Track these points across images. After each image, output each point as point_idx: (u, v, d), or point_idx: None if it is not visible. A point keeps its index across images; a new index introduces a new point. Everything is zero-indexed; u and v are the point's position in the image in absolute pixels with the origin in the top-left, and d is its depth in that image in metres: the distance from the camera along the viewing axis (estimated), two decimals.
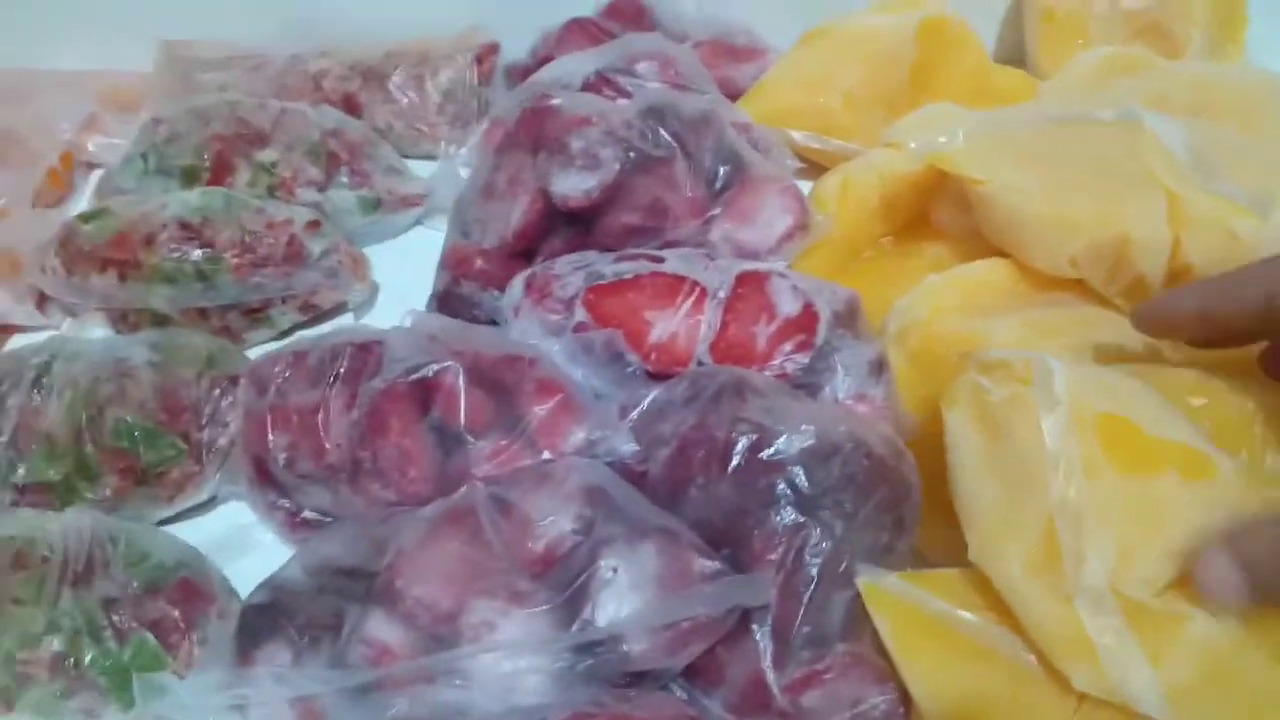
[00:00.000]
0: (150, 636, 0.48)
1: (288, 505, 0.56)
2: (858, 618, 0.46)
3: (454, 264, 0.65)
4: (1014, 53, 0.85)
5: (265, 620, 0.47)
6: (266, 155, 0.71)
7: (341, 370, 0.54)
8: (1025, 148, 0.60)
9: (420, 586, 0.45)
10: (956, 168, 0.59)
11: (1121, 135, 0.58)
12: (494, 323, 0.63)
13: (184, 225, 0.64)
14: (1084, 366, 0.47)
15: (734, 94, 0.78)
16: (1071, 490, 0.42)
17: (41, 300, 0.70)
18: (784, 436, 0.48)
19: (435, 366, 0.53)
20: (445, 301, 0.65)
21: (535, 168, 0.63)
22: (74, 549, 0.50)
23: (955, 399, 0.48)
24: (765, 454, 0.48)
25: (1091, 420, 0.44)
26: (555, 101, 0.64)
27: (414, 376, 0.53)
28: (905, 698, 0.45)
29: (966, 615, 0.45)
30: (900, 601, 0.45)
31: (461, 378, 0.53)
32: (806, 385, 0.55)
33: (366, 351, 0.55)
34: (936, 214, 0.65)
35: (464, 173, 0.73)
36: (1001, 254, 0.60)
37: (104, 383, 0.57)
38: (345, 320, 0.70)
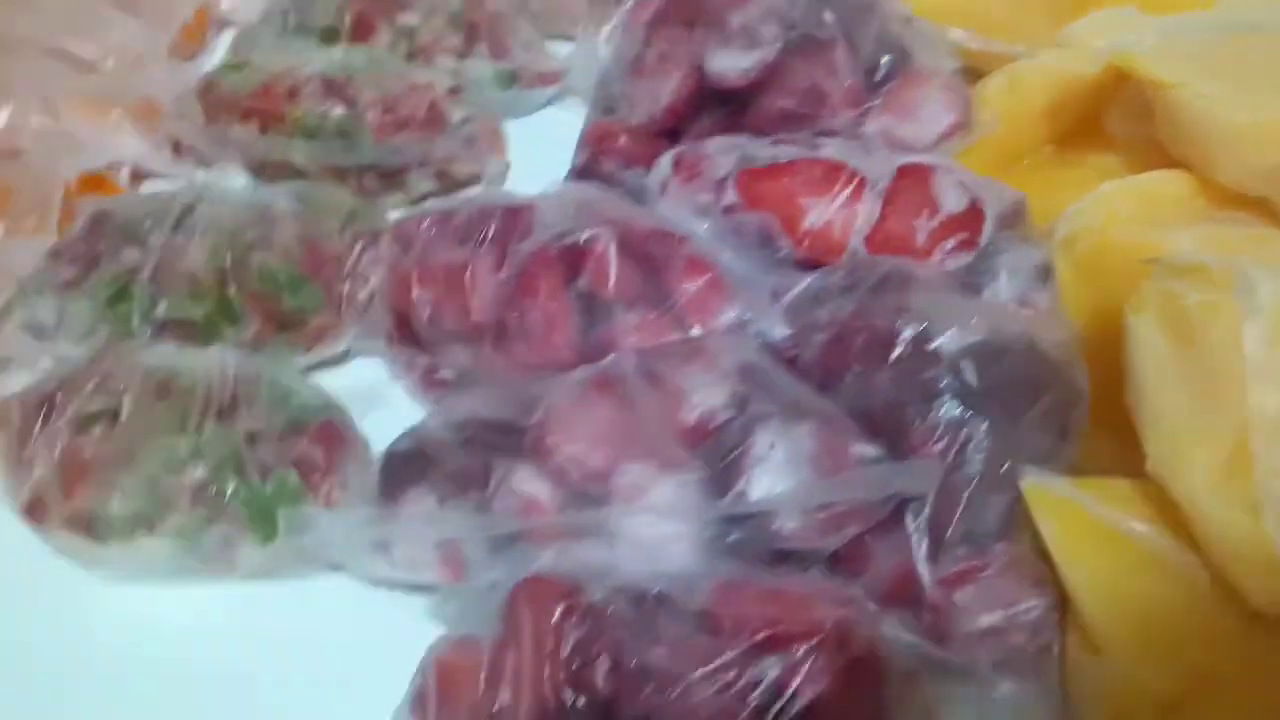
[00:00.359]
0: (293, 473, 0.48)
1: (425, 362, 0.55)
2: (1016, 521, 0.45)
3: (596, 140, 0.64)
4: None
5: (411, 466, 0.47)
6: (408, 19, 0.69)
7: (491, 231, 0.53)
8: (1217, 55, 0.56)
9: (571, 444, 0.45)
10: (1145, 70, 0.55)
11: None
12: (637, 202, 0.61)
13: (327, 81, 0.64)
14: None
15: None
16: (1271, 400, 0.40)
17: (177, 149, 0.69)
18: (952, 329, 0.46)
19: (586, 233, 0.52)
20: (584, 178, 0.63)
21: (690, 43, 0.61)
22: (218, 383, 0.50)
23: (1143, 304, 0.45)
24: (931, 345, 0.46)
25: None
26: None
27: (565, 241, 0.52)
28: (1059, 605, 0.44)
29: (1137, 524, 0.43)
30: (1067, 504, 0.44)
31: (613, 246, 0.51)
32: (967, 286, 0.53)
33: (515, 215, 0.53)
34: (1110, 121, 0.62)
35: (603, 52, 0.71)
36: (1178, 166, 0.57)
37: (249, 227, 0.56)
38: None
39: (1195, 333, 0.43)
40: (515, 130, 0.73)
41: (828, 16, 0.60)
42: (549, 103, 0.75)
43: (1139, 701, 0.41)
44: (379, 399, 0.57)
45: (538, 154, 0.70)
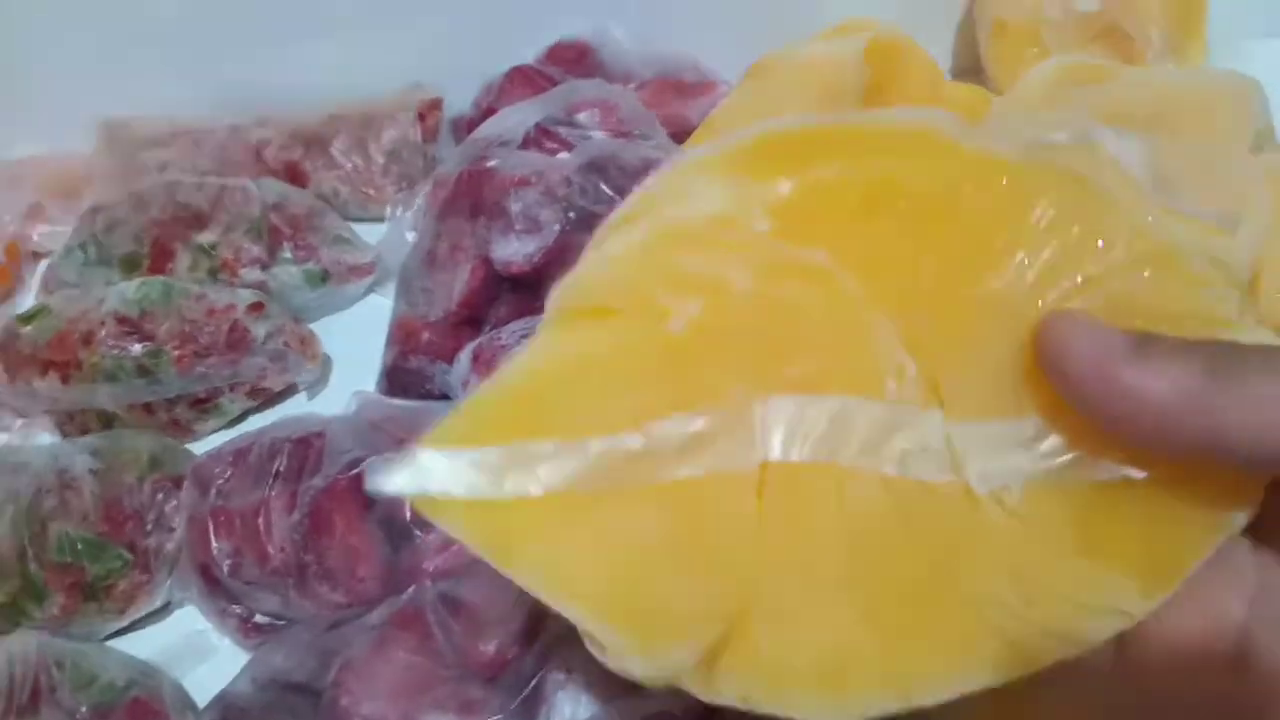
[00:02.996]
0: None
1: (239, 611, 0.54)
2: None
3: (401, 338, 0.63)
4: (973, 63, 0.83)
5: None
6: (205, 238, 0.69)
7: (281, 467, 0.52)
8: None
9: (368, 703, 0.43)
10: None
11: (1078, 160, 0.56)
12: (446, 396, 0.61)
13: (122, 320, 0.63)
14: None
15: (687, 130, 0.76)
16: None
17: None
18: None
19: (378, 459, 0.51)
20: (394, 377, 0.63)
21: (475, 234, 0.61)
22: (19, 677, 0.48)
23: None
24: None
25: None
26: (491, 163, 0.62)
27: (356, 471, 0.51)
28: None
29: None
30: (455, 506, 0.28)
31: None
32: None
33: (306, 446, 0.53)
34: None
35: (410, 236, 0.71)
36: None
37: (46, 495, 0.55)
38: (299, 401, 0.68)
39: None
40: (336, 325, 0.73)
41: (605, 189, 0.60)
42: (369, 291, 0.75)
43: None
44: (205, 649, 0.56)
45: (361, 346, 0.69)
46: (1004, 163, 0.30)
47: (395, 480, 0.28)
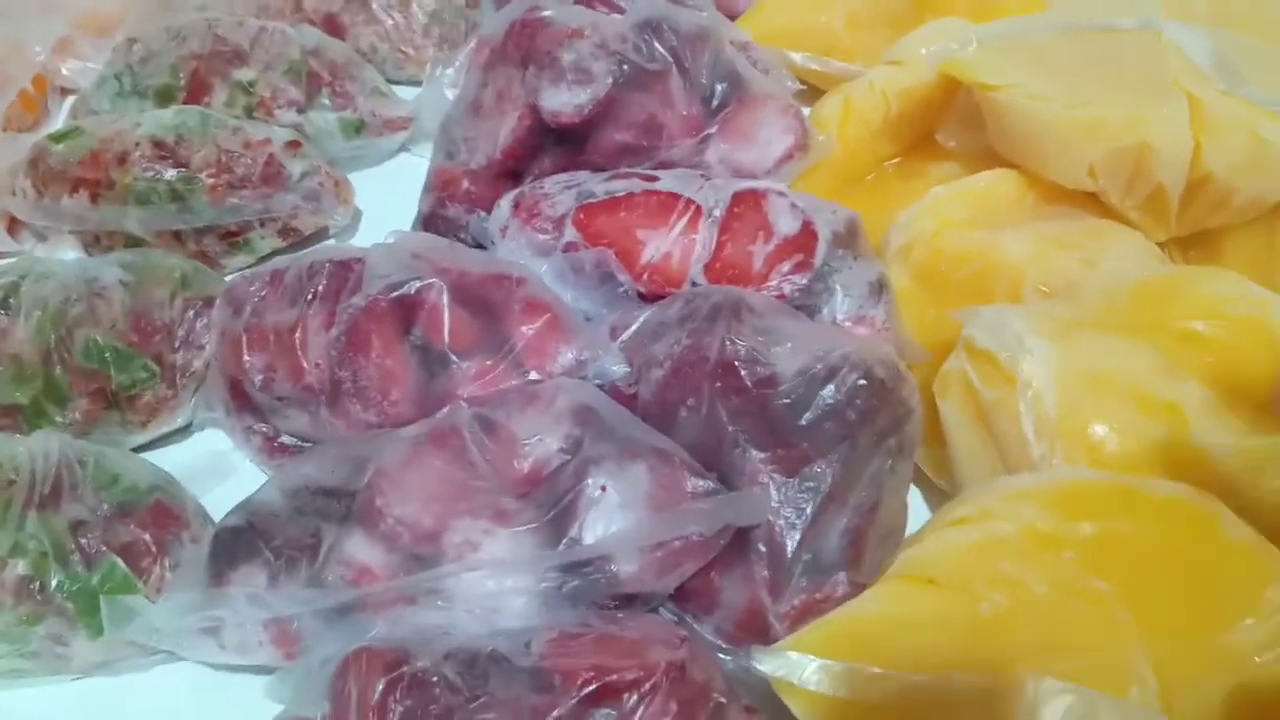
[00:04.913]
0: (119, 560, 0.46)
1: (265, 429, 0.54)
2: (859, 545, 0.44)
3: (439, 185, 0.63)
4: None
5: (240, 542, 0.45)
6: (244, 74, 0.68)
7: (320, 287, 0.52)
8: (1042, 55, 0.57)
9: (401, 505, 0.43)
10: (970, 74, 0.56)
11: (1141, 43, 0.56)
12: (481, 247, 0.61)
13: (158, 144, 0.62)
14: (1073, 348, 0.46)
15: (731, 15, 0.75)
16: None
17: (13, 225, 0.67)
18: (781, 358, 0.46)
19: (418, 283, 0.51)
20: (430, 225, 0.63)
21: (524, 83, 0.60)
22: (41, 471, 0.48)
23: (946, 389, 0.48)
24: (761, 375, 0.46)
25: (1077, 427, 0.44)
26: (546, 13, 0.61)
27: (396, 294, 0.50)
28: None
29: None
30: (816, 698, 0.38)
31: (446, 295, 0.50)
32: (804, 307, 0.53)
33: (346, 268, 0.52)
34: (943, 133, 0.62)
35: (450, 95, 0.70)
36: (1010, 166, 0.58)
37: (74, 303, 0.54)
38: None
39: (991, 426, 0.46)
40: (369, 178, 0.72)
41: (659, 48, 0.60)
42: (402, 149, 0.74)
43: None
44: (224, 471, 0.55)
45: (392, 202, 0.69)
46: (1248, 546, 0.39)
47: (769, 664, 0.38)
